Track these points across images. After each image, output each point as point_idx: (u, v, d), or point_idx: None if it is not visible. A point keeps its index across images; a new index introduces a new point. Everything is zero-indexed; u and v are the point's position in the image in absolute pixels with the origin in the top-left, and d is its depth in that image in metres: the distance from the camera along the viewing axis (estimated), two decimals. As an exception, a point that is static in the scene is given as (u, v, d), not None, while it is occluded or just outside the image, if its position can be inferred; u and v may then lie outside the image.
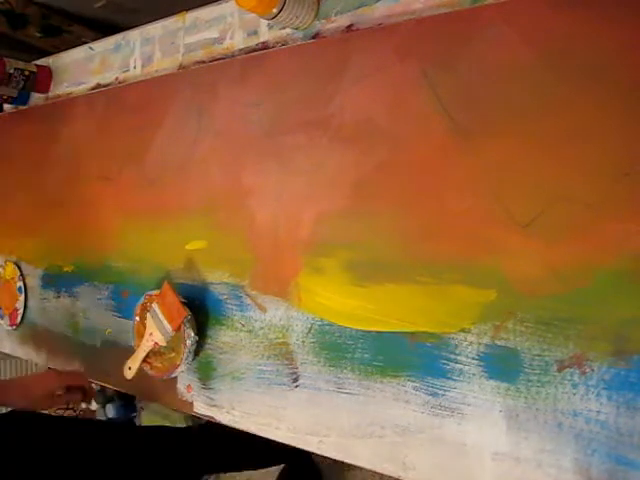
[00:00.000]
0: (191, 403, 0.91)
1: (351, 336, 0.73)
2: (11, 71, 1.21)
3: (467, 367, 0.64)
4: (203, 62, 0.97)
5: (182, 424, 1.90)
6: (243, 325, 0.85)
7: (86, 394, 1.00)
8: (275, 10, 0.77)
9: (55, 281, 1.18)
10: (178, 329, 0.87)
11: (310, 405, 0.77)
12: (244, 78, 0.88)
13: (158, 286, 0.92)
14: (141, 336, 0.91)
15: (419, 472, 0.67)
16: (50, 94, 1.30)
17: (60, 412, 2.33)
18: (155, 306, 0.89)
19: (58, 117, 1.22)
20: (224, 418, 0.87)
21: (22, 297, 1.25)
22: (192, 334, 0.86)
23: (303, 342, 0.78)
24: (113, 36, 1.15)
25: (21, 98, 1.32)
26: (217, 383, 0.88)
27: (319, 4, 0.81)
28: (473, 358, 0.64)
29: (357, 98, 0.75)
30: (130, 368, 0.91)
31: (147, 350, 0.90)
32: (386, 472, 0.70)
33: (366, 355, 0.72)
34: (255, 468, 1.52)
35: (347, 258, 0.74)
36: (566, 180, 0.59)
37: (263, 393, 0.82)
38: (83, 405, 2.28)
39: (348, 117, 0.76)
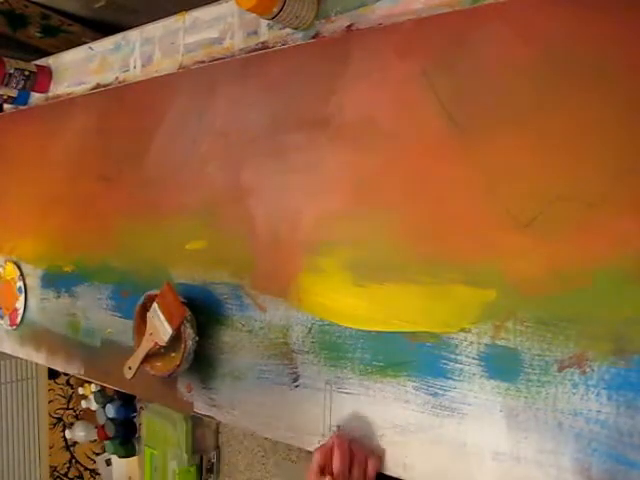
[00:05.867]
0: (191, 403, 0.91)
1: (351, 336, 0.73)
2: (11, 71, 1.20)
3: (467, 367, 0.64)
4: (203, 62, 0.97)
5: (182, 424, 1.90)
6: (243, 325, 0.85)
7: None
8: (275, 10, 0.77)
9: (55, 281, 1.18)
10: (178, 329, 0.87)
11: (310, 405, 0.77)
12: (244, 78, 0.88)
13: (158, 286, 0.92)
14: (141, 336, 0.91)
15: (419, 472, 0.67)
16: (50, 94, 1.29)
17: (60, 412, 2.34)
18: (155, 306, 0.89)
19: (58, 117, 1.22)
20: (224, 418, 0.87)
21: (22, 297, 1.25)
22: (192, 334, 0.86)
23: (303, 342, 0.78)
24: (113, 36, 1.15)
25: (21, 98, 1.32)
26: (217, 383, 0.88)
27: (319, 4, 0.81)
28: (473, 358, 0.64)
29: (357, 98, 0.75)
30: (130, 368, 0.91)
31: (147, 350, 0.90)
32: (386, 472, 0.70)
33: (366, 355, 0.72)
34: None
35: (347, 258, 0.74)
36: (566, 179, 0.59)
37: (263, 393, 0.82)
38: (83, 404, 2.28)
39: (348, 117, 0.76)
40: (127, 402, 2.12)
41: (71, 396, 2.37)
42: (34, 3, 1.43)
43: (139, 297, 0.94)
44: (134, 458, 2.14)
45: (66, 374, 2.29)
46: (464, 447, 0.64)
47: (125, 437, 2.12)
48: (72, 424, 2.32)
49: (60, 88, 1.27)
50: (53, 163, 1.21)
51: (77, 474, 2.37)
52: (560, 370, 0.58)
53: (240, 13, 0.91)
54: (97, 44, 1.19)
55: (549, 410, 0.59)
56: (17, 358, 2.07)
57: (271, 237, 0.82)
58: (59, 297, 1.17)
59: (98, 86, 1.17)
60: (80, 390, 2.31)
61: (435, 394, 0.66)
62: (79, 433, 2.25)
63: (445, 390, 0.65)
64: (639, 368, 0.54)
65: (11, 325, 1.27)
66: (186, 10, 1.00)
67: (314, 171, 0.79)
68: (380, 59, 0.73)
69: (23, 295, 1.25)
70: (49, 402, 2.30)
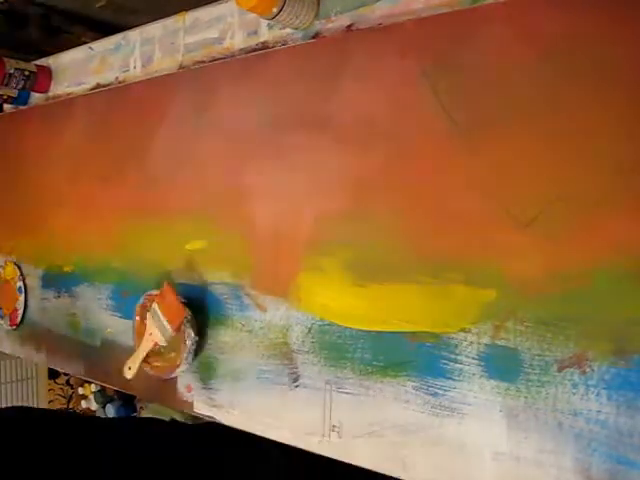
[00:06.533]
0: (191, 403, 0.91)
1: (351, 336, 0.73)
2: (11, 71, 1.20)
3: (467, 367, 0.64)
4: (203, 62, 0.97)
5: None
6: (243, 325, 0.85)
7: None
8: (275, 10, 0.77)
9: (55, 281, 1.18)
10: (178, 329, 0.87)
11: (310, 405, 0.77)
12: (244, 78, 0.88)
13: (158, 286, 0.92)
14: (141, 336, 0.91)
15: (419, 472, 0.67)
16: (50, 94, 1.29)
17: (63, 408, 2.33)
18: (155, 306, 0.89)
19: (58, 117, 1.22)
20: (224, 418, 0.87)
21: (22, 297, 1.25)
22: (192, 334, 0.86)
23: (303, 342, 0.78)
24: (113, 36, 1.15)
25: (21, 98, 1.32)
26: (217, 383, 0.88)
27: (319, 4, 0.81)
28: (473, 358, 0.64)
29: (357, 98, 0.75)
30: (130, 368, 0.91)
31: (147, 350, 0.90)
32: (386, 472, 0.70)
33: (366, 355, 0.72)
34: None
35: (347, 258, 0.74)
36: (566, 179, 0.59)
37: (263, 393, 0.82)
38: (83, 404, 2.28)
39: (348, 117, 0.76)
40: (127, 402, 2.12)
41: (71, 396, 2.36)
42: (34, 3, 1.43)
43: (139, 297, 0.95)
44: (134, 458, 2.14)
45: (66, 374, 2.29)
46: (464, 447, 0.64)
47: (125, 437, 2.11)
48: (72, 424, 2.31)
49: (60, 88, 1.27)
50: (53, 163, 1.21)
51: (77, 474, 2.36)
52: (560, 370, 0.58)
53: (240, 13, 0.91)
54: (97, 44, 1.19)
55: (549, 410, 0.59)
56: (17, 358, 2.07)
57: (271, 237, 0.82)
58: (59, 297, 1.17)
59: (98, 86, 1.17)
60: (80, 390, 2.31)
61: (435, 394, 0.66)
62: (79, 433, 2.24)
63: (445, 390, 0.65)
64: (639, 368, 0.54)
65: (11, 325, 1.27)
66: (186, 10, 1.00)
67: (314, 171, 0.79)
68: (380, 59, 0.73)
69: (23, 295, 1.25)
70: (49, 402, 2.30)
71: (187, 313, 0.87)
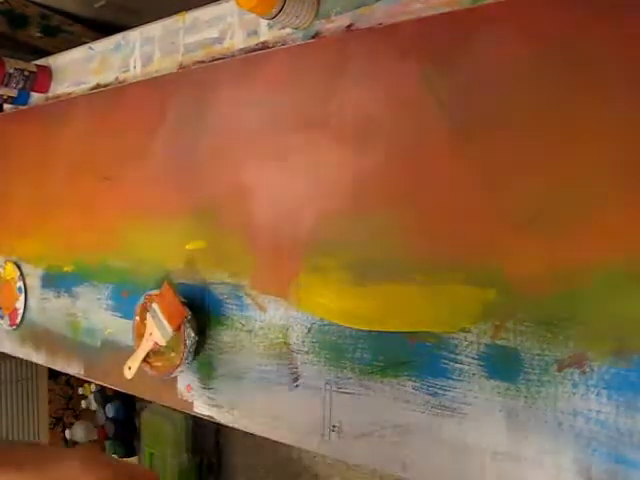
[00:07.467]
0: (191, 403, 0.91)
1: (351, 336, 0.73)
2: (11, 71, 1.21)
3: (467, 367, 0.64)
4: (203, 62, 0.97)
5: (182, 424, 1.91)
6: (243, 325, 0.85)
7: None
8: (275, 10, 0.77)
9: (55, 281, 1.18)
10: (178, 329, 0.87)
11: (310, 405, 0.77)
12: (244, 78, 0.88)
13: (158, 286, 0.92)
14: (141, 336, 0.91)
15: (419, 472, 0.67)
16: (50, 94, 1.29)
17: (60, 412, 2.34)
18: (155, 306, 0.89)
19: (58, 117, 1.22)
20: (224, 418, 0.87)
21: (22, 297, 1.25)
22: (192, 334, 0.86)
23: (303, 342, 0.78)
24: (113, 36, 1.15)
25: (21, 98, 1.32)
26: (217, 383, 0.88)
27: (319, 4, 0.81)
28: (473, 358, 0.64)
29: (357, 98, 0.75)
30: (130, 368, 0.91)
31: (147, 350, 0.90)
32: (386, 472, 0.70)
33: (366, 355, 0.72)
34: None
35: (347, 258, 0.74)
36: (566, 179, 0.59)
37: (263, 393, 0.82)
38: (83, 404, 2.28)
39: (348, 117, 0.76)
40: (127, 402, 2.12)
41: (71, 396, 2.37)
42: (34, 3, 1.43)
43: (139, 297, 0.95)
44: (134, 458, 2.14)
45: (66, 374, 2.29)
46: (464, 447, 0.64)
47: (125, 437, 2.12)
48: (72, 424, 2.32)
49: (60, 88, 1.27)
50: (53, 163, 1.21)
51: (77, 474, 2.36)
52: (560, 370, 0.58)
53: (240, 13, 0.91)
54: (97, 44, 1.19)
55: (549, 410, 0.59)
56: (17, 358, 2.07)
57: (271, 237, 0.82)
58: (59, 297, 1.17)
59: (98, 86, 1.17)
60: (80, 390, 2.32)
61: (435, 394, 0.66)
62: (79, 433, 2.25)
63: (445, 390, 0.65)
64: (639, 368, 0.54)
65: (11, 325, 1.27)
66: (186, 10, 1.00)
67: (314, 171, 0.79)
68: (380, 59, 0.73)
69: (23, 295, 1.25)
70: (49, 402, 2.30)
71: (187, 313, 0.87)
